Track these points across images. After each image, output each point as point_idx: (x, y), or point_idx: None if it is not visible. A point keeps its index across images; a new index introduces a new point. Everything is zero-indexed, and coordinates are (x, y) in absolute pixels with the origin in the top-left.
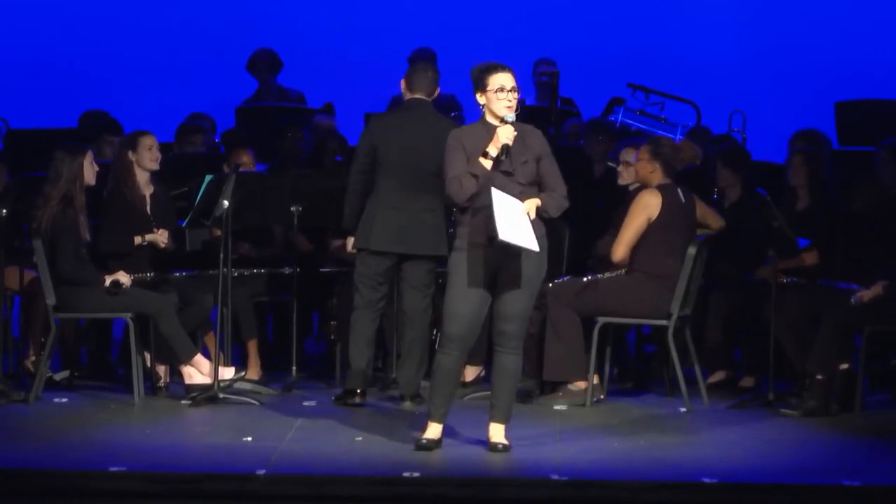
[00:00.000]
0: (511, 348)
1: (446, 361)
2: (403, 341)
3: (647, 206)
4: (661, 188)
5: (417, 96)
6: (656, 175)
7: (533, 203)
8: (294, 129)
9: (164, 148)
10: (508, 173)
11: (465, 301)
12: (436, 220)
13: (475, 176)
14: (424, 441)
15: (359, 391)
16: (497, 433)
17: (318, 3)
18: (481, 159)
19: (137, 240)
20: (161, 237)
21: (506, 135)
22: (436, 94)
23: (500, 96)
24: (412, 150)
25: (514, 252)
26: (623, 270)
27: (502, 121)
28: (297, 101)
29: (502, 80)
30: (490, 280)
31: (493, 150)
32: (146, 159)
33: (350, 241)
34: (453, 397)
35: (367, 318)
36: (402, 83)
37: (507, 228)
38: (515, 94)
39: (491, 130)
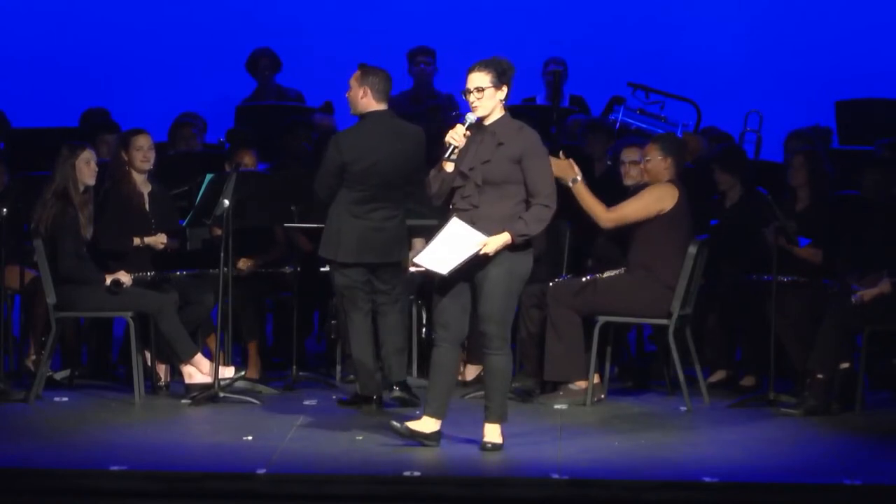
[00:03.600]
0: (493, 349)
1: (436, 354)
2: (380, 333)
3: (661, 200)
4: (675, 183)
5: (380, 107)
6: (669, 171)
7: (496, 242)
8: (305, 129)
9: (162, 147)
10: (463, 174)
11: (444, 289)
12: (396, 228)
13: (439, 178)
14: (404, 429)
15: (374, 398)
16: (490, 433)
17: (318, 3)
18: (444, 162)
19: (136, 241)
20: (159, 240)
21: (452, 135)
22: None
23: (467, 98)
24: (380, 164)
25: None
26: (623, 269)
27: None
28: (296, 101)
29: (467, 81)
30: (467, 275)
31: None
32: (137, 159)
33: None
34: (450, 393)
35: (361, 322)
36: (360, 93)
37: (430, 254)
38: (478, 95)
39: (476, 130)
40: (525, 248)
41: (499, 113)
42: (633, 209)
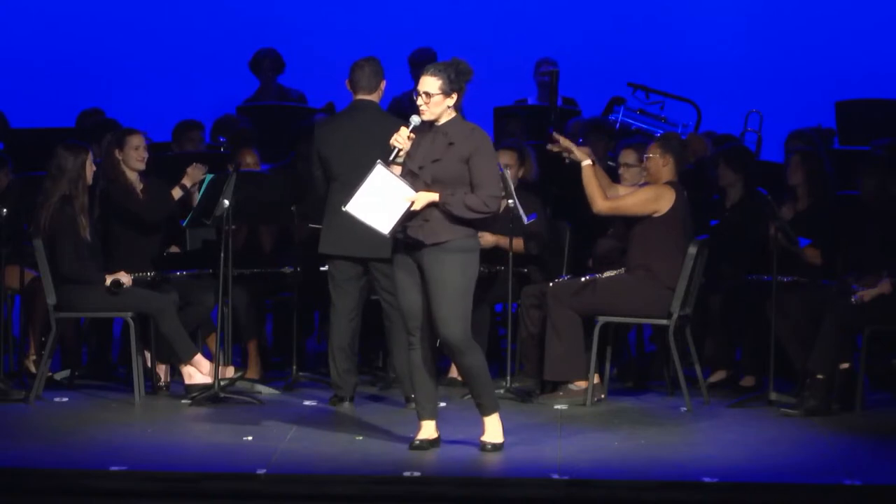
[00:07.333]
0: (458, 352)
1: (412, 357)
2: (393, 342)
3: (657, 201)
4: (673, 185)
5: (361, 97)
6: (668, 170)
7: (426, 196)
8: None
9: (162, 147)
10: (413, 173)
11: (405, 294)
12: None
13: None
14: (417, 442)
15: (341, 398)
16: (490, 427)
17: (319, 4)
18: (390, 165)
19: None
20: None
21: (396, 138)
22: (381, 88)
23: (416, 99)
24: (357, 152)
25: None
26: (623, 269)
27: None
28: (298, 101)
29: (420, 82)
30: (418, 275)
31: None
32: (132, 159)
33: None
34: (436, 392)
35: (338, 324)
36: (347, 84)
37: (361, 203)
38: (426, 99)
39: (427, 130)
40: (473, 248)
41: (448, 116)
42: (630, 203)
